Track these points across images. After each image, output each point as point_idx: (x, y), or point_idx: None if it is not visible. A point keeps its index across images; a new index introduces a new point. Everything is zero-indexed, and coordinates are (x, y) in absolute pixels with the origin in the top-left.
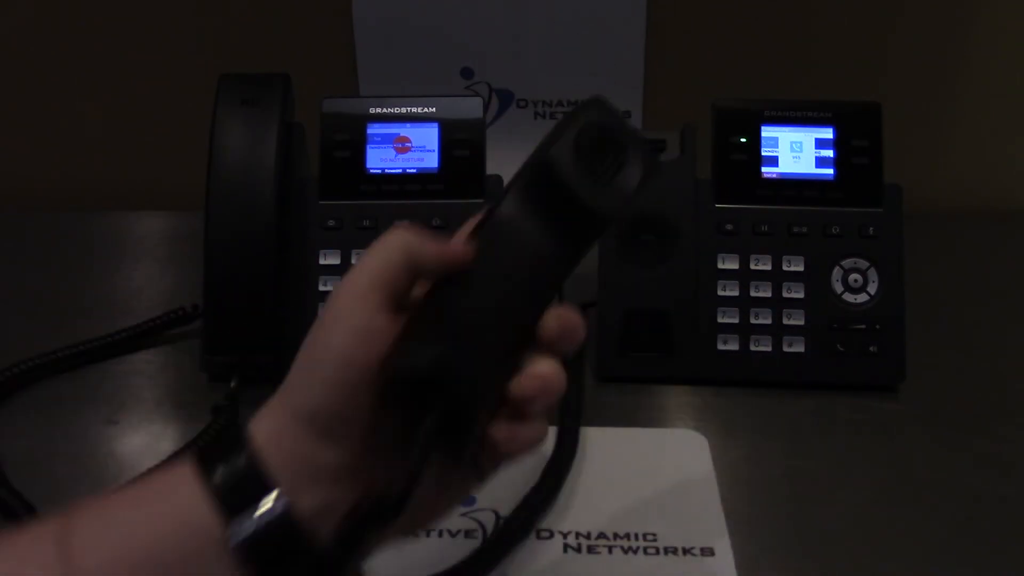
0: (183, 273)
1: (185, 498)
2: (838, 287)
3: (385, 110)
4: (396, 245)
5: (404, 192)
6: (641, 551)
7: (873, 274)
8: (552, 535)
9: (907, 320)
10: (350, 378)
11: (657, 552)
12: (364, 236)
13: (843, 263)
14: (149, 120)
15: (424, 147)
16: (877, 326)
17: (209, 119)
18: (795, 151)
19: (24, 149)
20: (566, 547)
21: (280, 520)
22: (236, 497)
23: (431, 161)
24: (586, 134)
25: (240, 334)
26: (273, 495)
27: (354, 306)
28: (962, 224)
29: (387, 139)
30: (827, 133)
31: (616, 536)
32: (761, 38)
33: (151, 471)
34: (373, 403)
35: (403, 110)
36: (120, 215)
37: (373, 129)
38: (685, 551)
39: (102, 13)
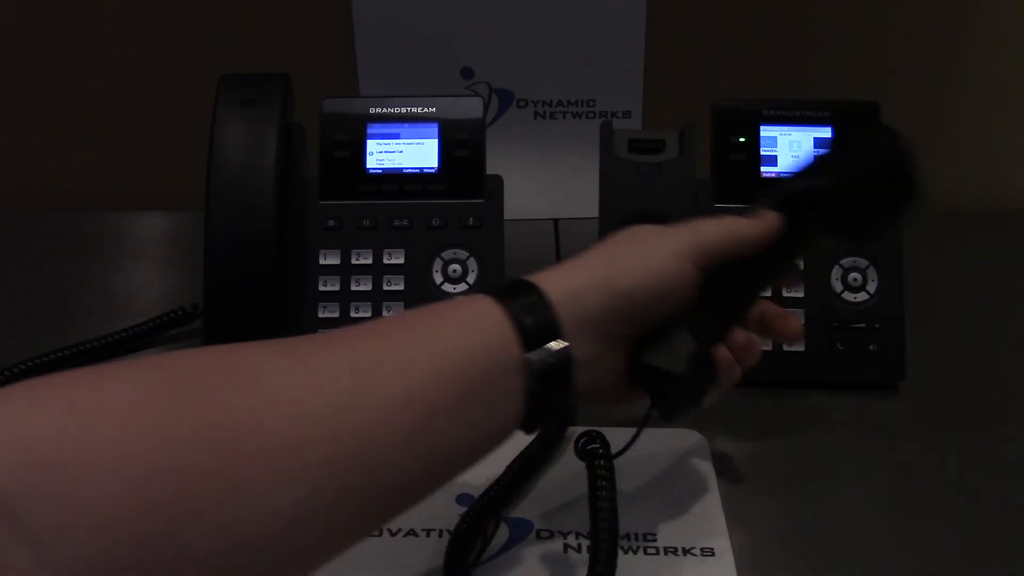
0: (183, 273)
1: (491, 325)
2: (837, 286)
3: (385, 110)
4: (718, 229)
5: (404, 192)
6: (641, 551)
7: (872, 273)
8: (552, 535)
9: (907, 319)
10: (663, 287)
11: (657, 552)
12: (364, 236)
13: (843, 262)
14: (149, 120)
15: (424, 147)
16: (877, 325)
17: (209, 119)
18: (794, 151)
19: (24, 149)
20: (566, 547)
21: (561, 360)
22: (534, 335)
23: (431, 161)
24: None
25: (240, 334)
26: (561, 343)
27: (670, 259)
28: (962, 224)
29: (387, 139)
30: (826, 132)
31: None
32: (761, 38)
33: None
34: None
35: (403, 110)
36: (120, 215)
37: (373, 129)
38: (685, 551)
39: (102, 13)
